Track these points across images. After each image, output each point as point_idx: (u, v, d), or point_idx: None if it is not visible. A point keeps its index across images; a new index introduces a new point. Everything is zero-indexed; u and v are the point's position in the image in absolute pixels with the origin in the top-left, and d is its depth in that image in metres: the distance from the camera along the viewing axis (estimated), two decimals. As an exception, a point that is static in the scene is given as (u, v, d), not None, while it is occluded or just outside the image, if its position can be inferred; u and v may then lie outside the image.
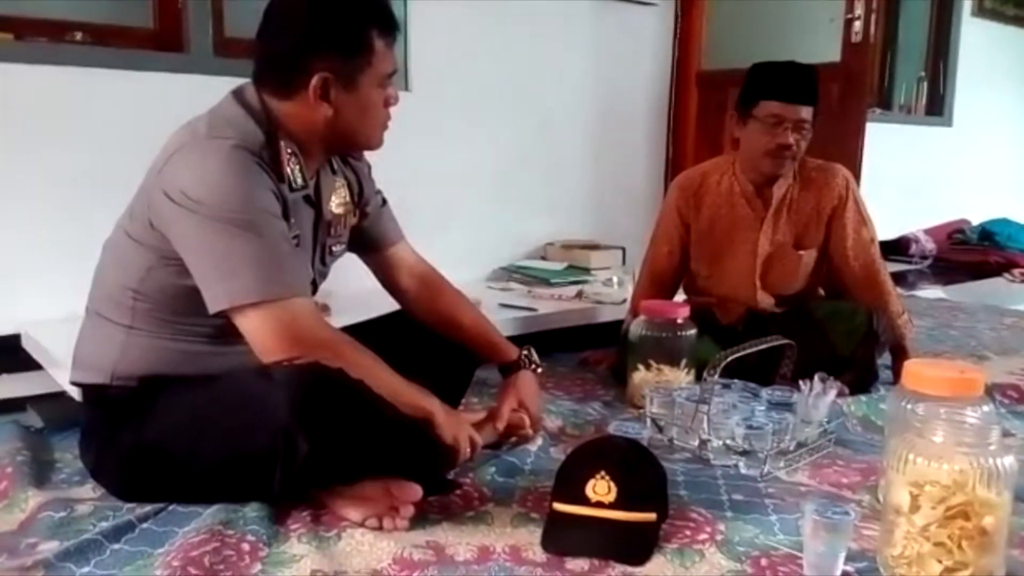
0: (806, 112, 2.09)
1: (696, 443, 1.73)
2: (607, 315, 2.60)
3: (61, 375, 1.74)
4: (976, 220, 5.01)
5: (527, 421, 1.74)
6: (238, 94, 1.44)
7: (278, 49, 1.41)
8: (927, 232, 4.80)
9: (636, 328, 2.08)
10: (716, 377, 1.68)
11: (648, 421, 1.82)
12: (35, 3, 2.33)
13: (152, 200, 1.37)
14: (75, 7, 2.45)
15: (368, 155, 1.65)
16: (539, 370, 1.79)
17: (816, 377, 1.78)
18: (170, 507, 1.42)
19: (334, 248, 1.62)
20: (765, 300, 2.28)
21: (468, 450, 1.48)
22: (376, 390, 1.35)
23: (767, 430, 1.64)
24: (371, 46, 1.42)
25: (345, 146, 1.55)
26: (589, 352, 2.48)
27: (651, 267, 2.37)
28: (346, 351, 1.37)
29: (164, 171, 1.36)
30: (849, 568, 1.25)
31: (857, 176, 2.95)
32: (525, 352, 1.76)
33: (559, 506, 1.34)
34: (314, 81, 1.39)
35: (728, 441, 1.68)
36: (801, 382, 1.79)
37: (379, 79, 1.46)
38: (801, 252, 2.24)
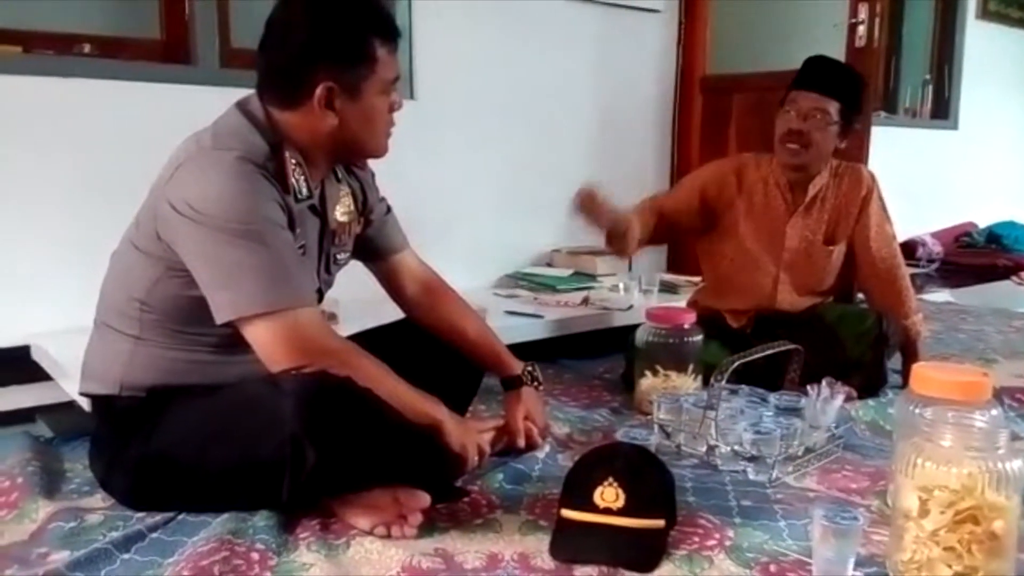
0: (822, 102, 2.10)
1: (704, 449, 1.72)
2: (614, 321, 2.60)
3: (70, 386, 1.74)
4: (983, 223, 5.00)
5: (535, 432, 1.75)
6: (242, 105, 1.45)
7: (281, 60, 1.42)
8: (934, 235, 4.79)
9: (643, 334, 2.08)
10: (723, 382, 1.68)
11: (656, 427, 1.82)
12: (43, 16, 2.34)
13: (158, 212, 1.37)
14: (82, 20, 2.46)
15: (374, 163, 1.65)
16: (540, 388, 1.79)
17: (824, 382, 1.77)
18: (180, 516, 1.42)
19: (339, 257, 1.63)
20: (787, 297, 2.27)
21: (476, 458, 1.49)
22: (384, 398, 1.35)
23: (775, 435, 1.64)
24: (373, 54, 1.43)
25: (351, 154, 1.56)
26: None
27: (656, 199, 2.30)
28: (353, 359, 1.38)
29: (170, 183, 1.37)
30: (858, 574, 1.25)
31: (863, 180, 2.95)
32: (529, 368, 1.77)
33: (567, 513, 1.34)
34: (318, 91, 1.40)
35: (736, 447, 1.68)
36: (809, 387, 1.78)
37: (382, 86, 1.46)
38: (831, 248, 2.26)
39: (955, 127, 5.11)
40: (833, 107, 2.11)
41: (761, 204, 2.25)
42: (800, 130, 2.11)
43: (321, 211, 1.53)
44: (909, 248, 4.64)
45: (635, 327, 2.15)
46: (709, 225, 2.29)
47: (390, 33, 1.46)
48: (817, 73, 2.15)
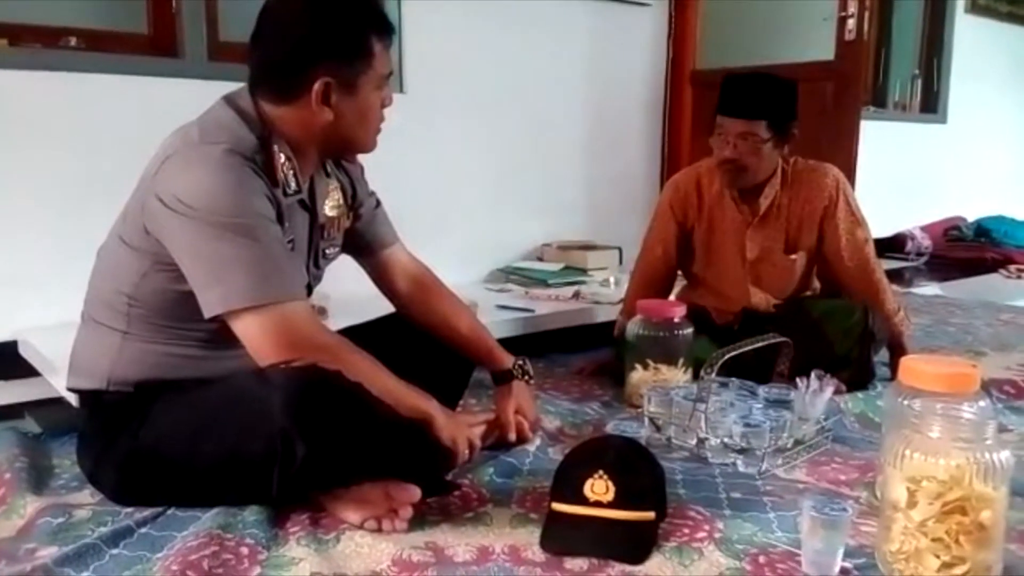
0: (748, 125, 2.07)
1: (694, 442, 1.73)
2: (604, 315, 2.60)
3: (58, 381, 1.74)
4: (972, 217, 5.01)
5: (526, 426, 1.74)
6: (230, 99, 1.44)
7: (278, 54, 1.41)
8: (923, 229, 4.81)
9: (633, 328, 2.08)
10: (713, 375, 1.68)
11: (646, 420, 1.82)
12: (29, 9, 2.32)
13: (146, 205, 1.37)
14: (69, 13, 2.45)
15: (363, 157, 1.65)
16: (531, 382, 1.79)
17: (813, 374, 1.78)
18: (169, 511, 1.42)
19: (328, 251, 1.62)
20: (759, 300, 2.28)
21: (467, 451, 1.49)
22: (374, 392, 1.35)
23: (765, 428, 1.64)
24: (371, 49, 1.43)
25: (341, 150, 1.55)
26: (582, 363, 2.45)
27: (644, 269, 2.36)
28: (343, 354, 1.38)
29: (157, 177, 1.36)
30: (847, 564, 1.25)
31: (852, 174, 2.96)
32: (520, 362, 1.77)
33: (558, 506, 1.34)
34: (317, 86, 1.39)
35: (726, 439, 1.69)
36: (798, 380, 1.79)
37: (378, 82, 1.46)
38: (793, 256, 2.25)
39: (944, 121, 5.13)
40: (760, 127, 2.07)
41: (720, 217, 2.26)
42: (733, 158, 2.10)
43: (310, 206, 1.53)
44: (898, 242, 4.66)
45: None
46: (688, 241, 2.33)
47: (386, 28, 1.46)
48: (738, 97, 2.10)
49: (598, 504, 1.30)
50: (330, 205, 1.58)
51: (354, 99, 1.43)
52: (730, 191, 2.22)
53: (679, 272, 2.42)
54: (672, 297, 2.39)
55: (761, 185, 2.19)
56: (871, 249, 2.26)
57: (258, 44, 1.43)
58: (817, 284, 2.37)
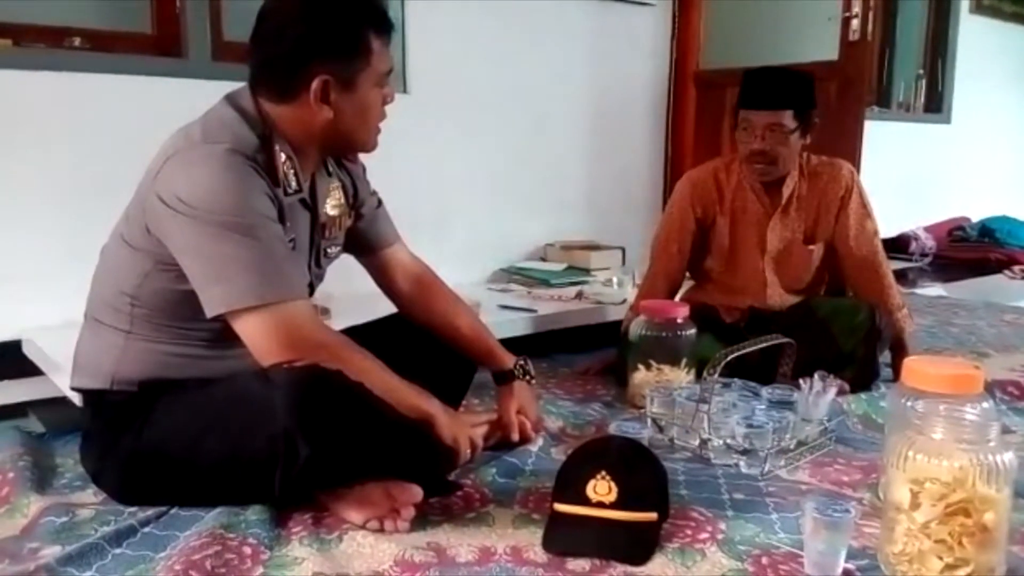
0: (775, 116, 2.10)
1: (697, 442, 1.73)
2: (607, 315, 2.60)
3: (62, 380, 1.74)
4: (976, 217, 5.00)
5: (528, 426, 1.74)
6: (232, 98, 1.44)
7: (275, 53, 1.41)
8: (927, 230, 4.80)
9: (636, 328, 2.08)
10: (716, 376, 1.68)
11: (648, 421, 1.82)
12: (33, 9, 2.33)
13: (148, 205, 1.37)
14: (73, 13, 2.45)
15: (366, 157, 1.65)
16: (532, 382, 1.79)
17: (816, 375, 1.78)
18: (171, 511, 1.42)
19: (329, 250, 1.63)
20: (776, 295, 2.29)
21: (468, 451, 1.49)
22: (376, 392, 1.35)
23: (767, 429, 1.64)
24: (368, 46, 1.43)
25: (342, 148, 1.55)
26: (586, 363, 2.44)
27: (660, 267, 2.34)
28: (345, 353, 1.38)
29: (159, 176, 1.36)
30: (850, 566, 1.25)
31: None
32: (521, 362, 1.77)
33: (560, 507, 1.34)
34: (314, 84, 1.39)
35: (729, 440, 1.68)
36: (801, 380, 1.79)
37: (377, 79, 1.46)
38: (811, 247, 2.27)
39: (948, 121, 5.11)
40: (787, 117, 2.10)
41: (740, 210, 2.27)
42: (763, 150, 2.12)
43: (311, 205, 1.53)
44: (902, 242, 4.65)
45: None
46: (704, 237, 2.32)
47: (385, 25, 1.46)
48: (762, 89, 2.13)
49: (600, 505, 1.30)
50: (331, 204, 1.58)
51: (353, 96, 1.43)
52: (752, 183, 2.24)
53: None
54: (681, 296, 2.39)
55: (783, 176, 2.21)
56: (879, 243, 2.28)
57: (257, 43, 1.43)
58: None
